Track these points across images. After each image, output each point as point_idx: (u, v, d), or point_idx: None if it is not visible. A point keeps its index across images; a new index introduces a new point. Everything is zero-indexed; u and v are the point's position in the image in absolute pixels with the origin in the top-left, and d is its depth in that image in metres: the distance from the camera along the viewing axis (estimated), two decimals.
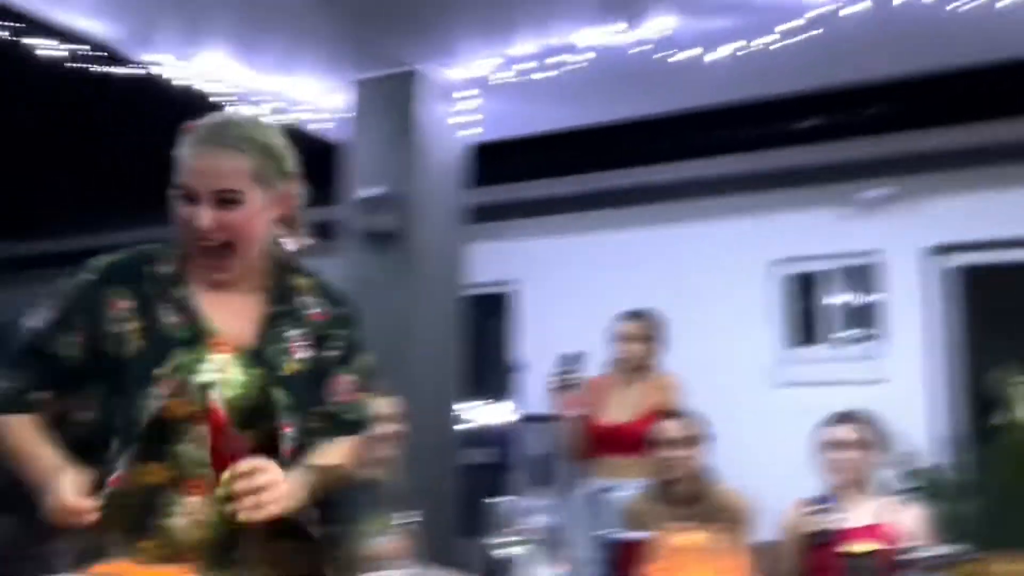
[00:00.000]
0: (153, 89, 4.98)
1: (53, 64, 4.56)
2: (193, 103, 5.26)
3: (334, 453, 1.81)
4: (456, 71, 5.33)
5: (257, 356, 1.76)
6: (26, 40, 4.57)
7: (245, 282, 1.81)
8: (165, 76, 5.08)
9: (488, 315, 7.31)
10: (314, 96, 5.68)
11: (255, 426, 1.72)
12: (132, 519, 1.65)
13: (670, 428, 3.73)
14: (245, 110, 5.49)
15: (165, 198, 1.77)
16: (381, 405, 2.00)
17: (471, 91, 5.43)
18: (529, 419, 6.50)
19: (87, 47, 4.86)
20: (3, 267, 8.79)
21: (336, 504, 1.80)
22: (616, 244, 7.17)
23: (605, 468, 4.33)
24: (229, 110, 1.78)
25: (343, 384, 1.86)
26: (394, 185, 5.27)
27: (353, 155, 5.48)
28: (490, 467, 6.36)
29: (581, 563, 2.68)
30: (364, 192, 5.31)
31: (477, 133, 5.64)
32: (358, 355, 1.91)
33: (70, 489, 1.60)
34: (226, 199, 1.71)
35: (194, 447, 1.68)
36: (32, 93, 5.24)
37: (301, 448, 1.75)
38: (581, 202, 7.21)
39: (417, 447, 3.81)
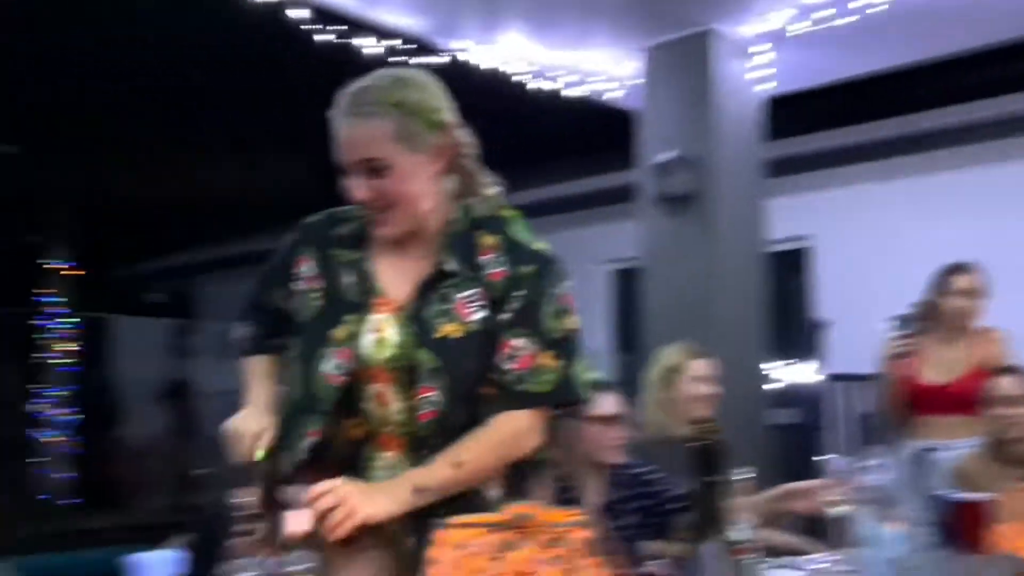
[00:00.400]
0: (460, 75, 5.31)
1: (374, 61, 4.98)
2: (496, 85, 5.57)
3: (486, 435, 1.66)
4: (750, 26, 5.27)
5: (413, 317, 1.68)
6: (350, 41, 5.01)
7: (421, 242, 1.74)
8: (471, 61, 5.39)
9: (787, 272, 7.18)
10: (606, 66, 5.81)
11: (412, 389, 1.66)
12: (337, 472, 1.62)
13: (1006, 385, 3.53)
14: (543, 85, 5.74)
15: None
16: (591, 376, 1.78)
17: (765, 45, 5.36)
18: (836, 378, 6.36)
19: (399, 41, 5.25)
20: None
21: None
22: (921, 191, 6.80)
23: (928, 428, 4.17)
24: (410, 75, 1.61)
25: (516, 349, 1.69)
26: (688, 147, 5.30)
27: (646, 120, 5.57)
28: (797, 427, 6.28)
29: (914, 523, 2.64)
30: (658, 156, 5.39)
31: (771, 87, 5.57)
32: (542, 318, 1.72)
33: (247, 417, 1.70)
34: (374, 168, 1.67)
35: (375, 405, 1.68)
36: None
37: (447, 416, 1.65)
38: (882, 149, 6.90)
39: (726, 408, 3.86)
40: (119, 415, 10.10)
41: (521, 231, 1.78)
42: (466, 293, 1.69)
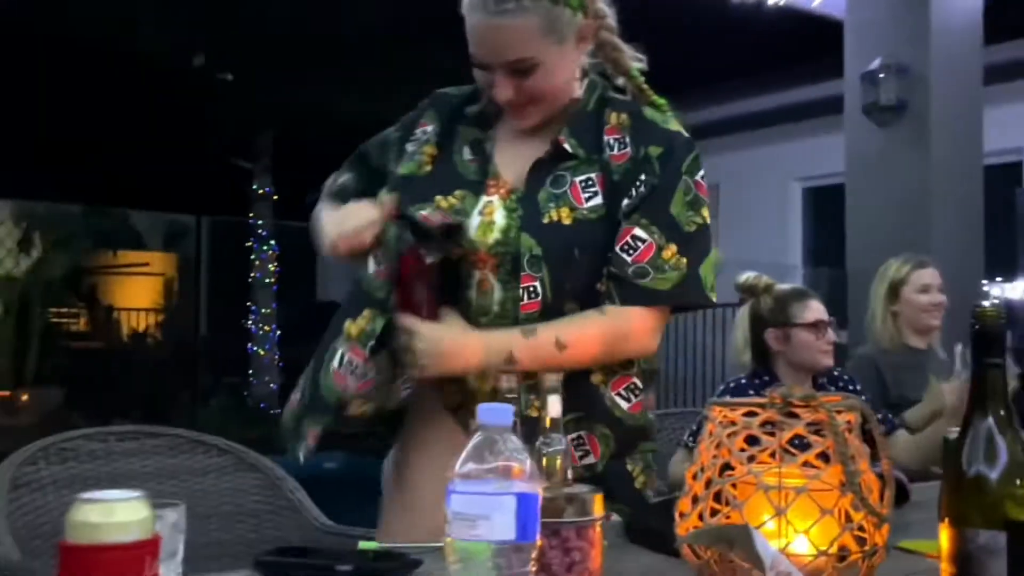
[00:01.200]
0: None
1: None
2: None
3: (596, 323, 1.52)
4: None
5: (523, 200, 1.53)
6: None
7: (548, 124, 1.58)
8: None
9: (1005, 185, 6.78)
10: None
11: (514, 277, 1.52)
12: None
13: None
14: None
15: None
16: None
17: None
18: None
19: None
20: None
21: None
22: None
23: None
24: None
25: (636, 240, 1.52)
26: (899, 54, 5.06)
27: (853, 27, 5.35)
28: (1015, 350, 5.99)
29: None
30: (867, 65, 5.17)
31: None
32: (669, 207, 1.53)
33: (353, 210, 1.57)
34: (520, 68, 1.49)
35: (476, 292, 1.55)
36: None
37: (550, 308, 1.51)
38: None
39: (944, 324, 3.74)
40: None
41: (655, 111, 1.60)
42: (583, 176, 1.53)
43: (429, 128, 1.62)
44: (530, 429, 1.18)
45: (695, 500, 1.20)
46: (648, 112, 1.59)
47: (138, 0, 7.91)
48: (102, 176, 9.73)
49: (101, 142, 9.61)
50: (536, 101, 1.53)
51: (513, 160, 1.57)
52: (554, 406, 1.56)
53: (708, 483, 1.19)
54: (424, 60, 7.29)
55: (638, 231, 1.51)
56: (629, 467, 1.61)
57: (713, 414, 1.27)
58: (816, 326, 2.62)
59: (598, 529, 1.09)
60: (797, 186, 8.18)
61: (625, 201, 1.52)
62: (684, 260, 1.52)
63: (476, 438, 0.95)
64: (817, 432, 1.19)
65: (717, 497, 1.18)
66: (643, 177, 1.52)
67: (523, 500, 0.92)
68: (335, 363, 1.54)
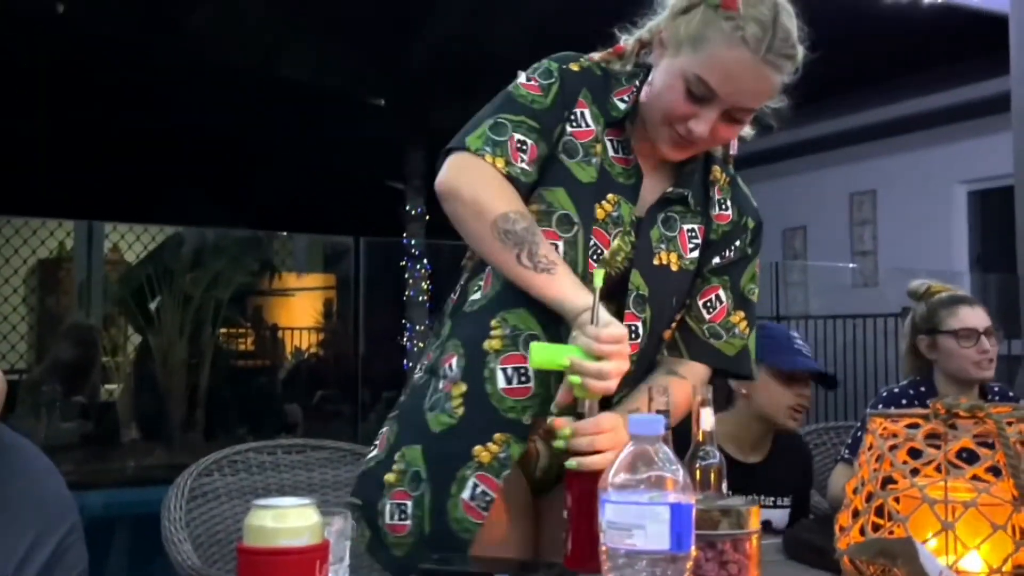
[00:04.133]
0: None
1: None
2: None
3: (680, 387, 1.39)
4: None
5: (638, 229, 1.45)
6: None
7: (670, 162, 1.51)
8: None
9: None
10: None
11: (621, 313, 1.41)
12: None
13: None
14: None
15: None
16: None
17: None
18: None
19: None
20: None
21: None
22: None
23: None
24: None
25: (716, 299, 1.51)
26: None
27: (1021, 23, 5.08)
28: None
29: None
30: None
31: None
32: (744, 276, 1.54)
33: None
34: (737, 118, 1.40)
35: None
36: None
37: (645, 352, 1.44)
38: None
39: None
40: None
41: (742, 182, 1.59)
42: (690, 226, 1.49)
43: (587, 113, 1.45)
44: None
45: (856, 514, 1.17)
46: (740, 180, 1.59)
47: (296, 31, 8.28)
48: (266, 202, 10.21)
49: (264, 169, 10.09)
50: (712, 146, 1.48)
51: (648, 182, 1.48)
52: (707, 418, 1.56)
53: (869, 497, 1.16)
54: None
55: (721, 292, 1.51)
56: None
57: (873, 426, 1.24)
58: (961, 334, 2.49)
59: (755, 542, 1.08)
60: (962, 189, 7.81)
61: (716, 260, 1.51)
62: (747, 328, 1.53)
63: (628, 448, 0.96)
64: (985, 444, 1.14)
65: (879, 511, 1.15)
66: (737, 244, 1.53)
67: (677, 511, 0.92)
68: (466, 494, 1.37)
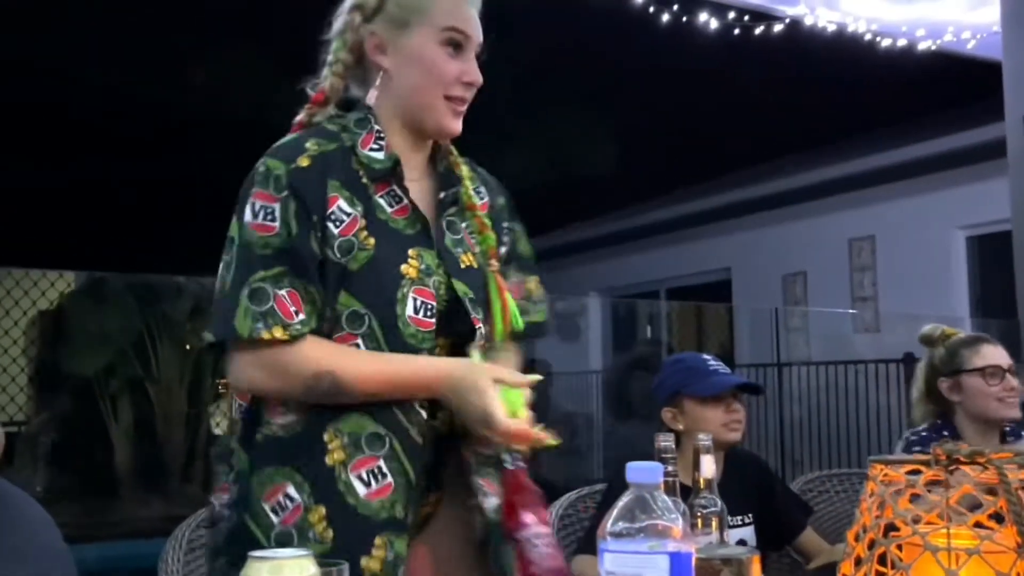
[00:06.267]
0: (803, 39, 5.19)
1: (716, 35, 5.00)
2: (841, 46, 5.38)
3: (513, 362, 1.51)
4: None
5: (438, 246, 1.46)
6: (687, 17, 5.06)
7: (426, 162, 1.53)
8: (816, 24, 5.24)
9: None
10: (959, 15, 5.43)
11: (450, 327, 1.44)
12: None
13: None
14: (891, 42, 5.47)
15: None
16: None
17: None
18: None
19: (734, 13, 5.22)
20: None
21: None
22: None
23: None
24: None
25: (513, 283, 1.55)
26: None
27: (1014, 70, 5.14)
28: None
29: None
30: None
31: None
32: (524, 246, 1.61)
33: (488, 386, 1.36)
34: (477, 55, 1.48)
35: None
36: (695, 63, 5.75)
37: (492, 349, 1.48)
38: None
39: None
40: None
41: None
42: (465, 223, 1.52)
43: (343, 204, 1.39)
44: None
45: (858, 562, 1.16)
46: (471, 161, 1.60)
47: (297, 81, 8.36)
48: None
49: None
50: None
51: (419, 200, 1.46)
52: (708, 466, 1.55)
53: (871, 544, 1.15)
54: (553, 130, 7.41)
55: (515, 276, 1.57)
56: None
57: (874, 472, 1.23)
58: (988, 371, 2.48)
59: None
60: (960, 234, 7.84)
61: (502, 249, 1.56)
62: (541, 289, 1.61)
63: (627, 496, 0.95)
64: (989, 491, 1.14)
65: (882, 559, 1.14)
66: (504, 226, 1.58)
67: (677, 560, 0.91)
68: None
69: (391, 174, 1.43)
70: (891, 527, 1.15)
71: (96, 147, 8.78)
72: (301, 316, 1.35)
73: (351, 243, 1.38)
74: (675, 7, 5.02)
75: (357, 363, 1.36)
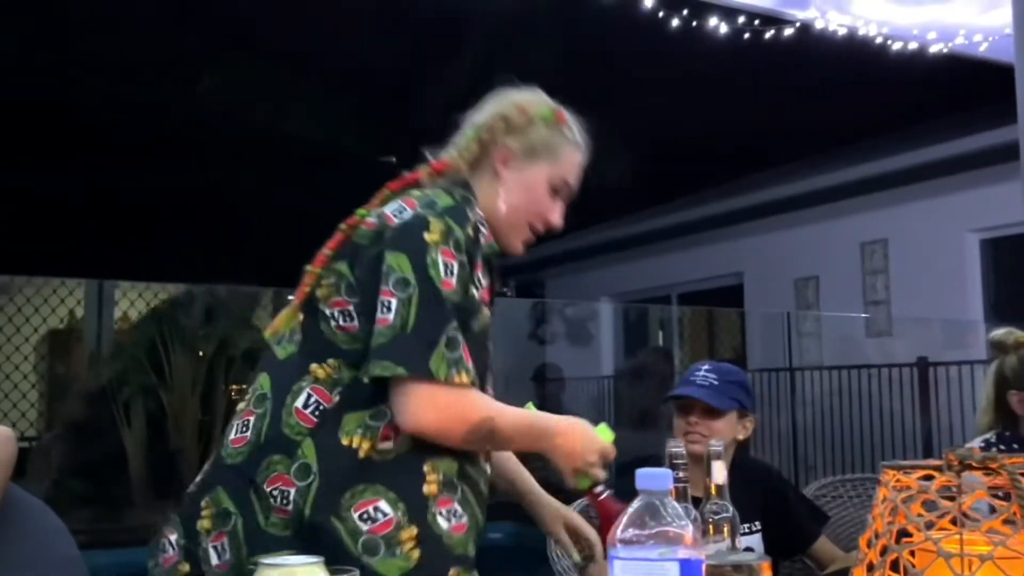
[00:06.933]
0: (813, 44, 5.18)
1: (726, 40, 4.99)
2: (852, 50, 5.36)
3: None
4: None
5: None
6: (696, 21, 5.05)
7: None
8: (827, 28, 5.23)
9: None
10: (971, 17, 5.41)
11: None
12: None
13: None
14: (902, 45, 5.45)
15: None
16: None
17: None
18: None
19: (744, 17, 5.21)
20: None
21: None
22: None
23: None
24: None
25: None
26: None
27: (1022, 71, 5.10)
28: None
29: None
30: None
31: None
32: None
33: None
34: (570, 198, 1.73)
35: None
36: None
37: None
38: None
39: None
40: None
41: None
42: None
43: (481, 273, 1.56)
44: None
45: (870, 568, 1.16)
46: None
47: (306, 90, 8.39)
48: (276, 259, 10.28)
49: (274, 227, 10.16)
50: None
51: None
52: (718, 472, 1.55)
53: (883, 551, 1.15)
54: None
55: None
56: None
57: (886, 478, 1.22)
58: None
59: None
60: (974, 237, 7.80)
61: None
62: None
63: (636, 503, 0.95)
64: (1002, 496, 1.13)
65: (894, 566, 1.14)
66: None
67: (687, 567, 0.91)
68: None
69: (488, 261, 1.60)
70: (904, 533, 1.14)
71: (105, 154, 8.83)
72: (470, 364, 1.48)
73: (481, 308, 1.55)
74: (684, 12, 5.02)
75: (506, 412, 1.52)
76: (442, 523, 1.47)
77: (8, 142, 8.07)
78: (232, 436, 1.55)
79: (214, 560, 1.46)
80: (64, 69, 7.66)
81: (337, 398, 1.49)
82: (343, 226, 1.60)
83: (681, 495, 1.29)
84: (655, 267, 9.94)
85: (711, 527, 1.48)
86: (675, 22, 5.08)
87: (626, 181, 7.99)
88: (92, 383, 6.90)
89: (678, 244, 9.67)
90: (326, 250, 1.57)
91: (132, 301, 7.73)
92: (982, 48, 5.53)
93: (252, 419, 1.53)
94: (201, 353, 7.23)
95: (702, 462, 2.04)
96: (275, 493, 1.46)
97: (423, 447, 1.48)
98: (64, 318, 7.29)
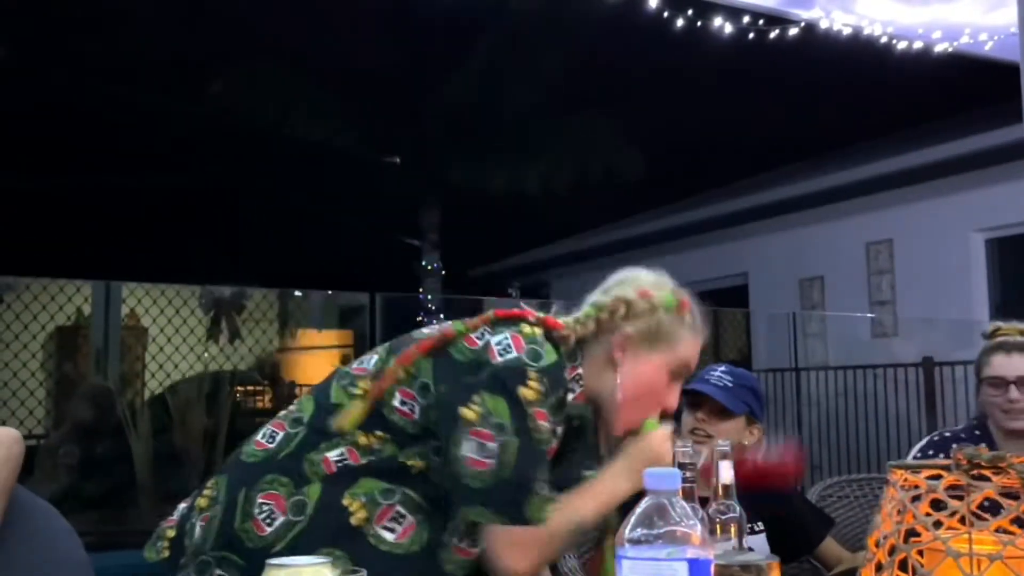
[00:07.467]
0: (817, 44, 5.17)
1: (731, 40, 4.99)
2: (857, 49, 5.35)
3: None
4: None
5: None
6: (701, 22, 5.05)
7: None
8: (831, 28, 5.22)
9: None
10: (976, 16, 5.40)
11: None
12: None
13: None
14: (907, 44, 5.45)
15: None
16: None
17: None
18: None
19: (748, 17, 5.21)
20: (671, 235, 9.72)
21: None
22: None
23: None
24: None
25: None
26: None
27: None
28: None
29: None
30: None
31: None
32: None
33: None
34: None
35: None
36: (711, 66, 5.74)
37: None
38: None
39: None
40: None
41: None
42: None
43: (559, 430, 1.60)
44: None
45: (879, 568, 1.15)
46: None
47: (312, 91, 8.40)
48: (282, 259, 10.28)
49: (280, 227, 10.17)
50: None
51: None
52: (726, 472, 1.54)
53: (892, 550, 1.15)
54: (572, 137, 7.43)
55: None
56: None
57: (894, 477, 1.22)
58: (988, 382, 2.47)
59: None
60: (979, 237, 7.79)
61: None
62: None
63: (645, 503, 0.95)
64: (1010, 496, 1.13)
65: (903, 565, 1.13)
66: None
67: (695, 567, 0.91)
68: None
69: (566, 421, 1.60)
70: (912, 532, 1.14)
71: (109, 157, 8.84)
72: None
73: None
74: (689, 12, 5.02)
75: (580, 501, 1.52)
76: (386, 536, 1.48)
77: (16, 145, 8.09)
78: (257, 438, 1.58)
79: (196, 535, 1.51)
80: (66, 71, 7.67)
81: (364, 461, 1.50)
82: (437, 334, 1.56)
83: (688, 495, 1.28)
84: (660, 267, 9.91)
85: (718, 527, 1.47)
86: (680, 23, 5.08)
87: (632, 182, 7.99)
88: (98, 385, 6.91)
89: (683, 244, 9.66)
90: (416, 351, 1.54)
91: (139, 299, 7.74)
92: (987, 47, 5.52)
93: (281, 434, 1.55)
94: (207, 354, 7.23)
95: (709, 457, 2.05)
96: (264, 507, 1.48)
97: (414, 563, 1.49)
98: (72, 315, 7.29)
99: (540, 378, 1.49)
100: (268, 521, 1.47)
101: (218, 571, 1.47)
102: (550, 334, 1.57)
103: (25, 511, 1.52)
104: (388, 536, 1.48)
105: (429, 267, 10.24)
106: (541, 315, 1.61)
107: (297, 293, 10.76)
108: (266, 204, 9.88)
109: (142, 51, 7.43)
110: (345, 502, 1.47)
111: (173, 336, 7.25)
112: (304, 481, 1.49)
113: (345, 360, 12.63)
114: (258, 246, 10.35)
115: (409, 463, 1.50)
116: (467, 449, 1.44)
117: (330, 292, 10.99)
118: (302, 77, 8.29)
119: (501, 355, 1.50)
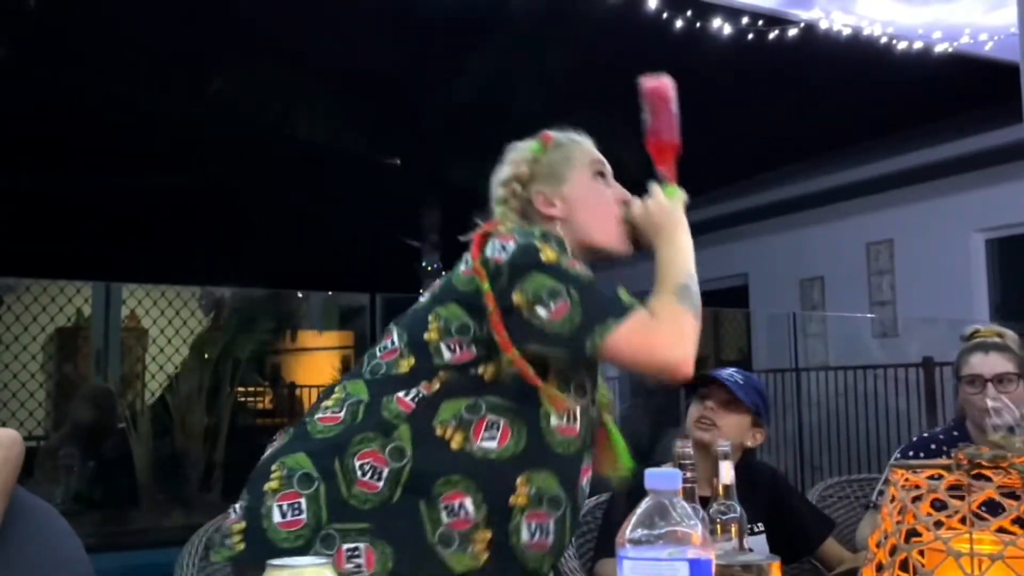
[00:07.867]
0: (817, 44, 5.17)
1: (730, 41, 4.99)
2: (857, 50, 5.35)
3: None
4: None
5: None
6: (700, 22, 5.05)
7: None
8: (831, 28, 5.22)
9: None
10: (976, 17, 5.40)
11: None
12: None
13: None
14: (907, 45, 5.45)
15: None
16: None
17: None
18: None
19: (748, 18, 5.21)
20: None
21: None
22: None
23: None
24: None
25: None
26: None
27: None
28: None
29: None
30: None
31: None
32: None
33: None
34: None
35: None
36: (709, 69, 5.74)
37: None
38: None
39: None
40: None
41: None
42: None
43: None
44: None
45: (879, 568, 1.15)
46: None
47: (312, 91, 8.40)
48: (282, 260, 10.28)
49: (280, 228, 10.17)
50: None
51: None
52: (726, 472, 1.54)
53: (893, 550, 1.14)
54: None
55: None
56: None
57: (895, 477, 1.22)
58: (966, 380, 2.49)
59: None
60: (979, 237, 7.79)
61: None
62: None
63: (646, 503, 0.95)
64: (1011, 496, 1.12)
65: (904, 565, 1.13)
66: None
67: (696, 567, 0.91)
68: None
69: None
70: (912, 532, 1.14)
71: (109, 157, 8.84)
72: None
73: None
74: (688, 13, 5.02)
75: (669, 270, 1.76)
76: (524, 536, 1.48)
77: (16, 145, 8.09)
78: (319, 416, 1.54)
79: (276, 518, 1.45)
80: (67, 72, 7.67)
81: (437, 386, 1.50)
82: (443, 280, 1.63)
83: (688, 495, 1.28)
84: None
85: (718, 527, 1.47)
86: (679, 23, 5.08)
87: (632, 182, 7.97)
88: (98, 385, 6.90)
89: None
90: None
91: (139, 300, 7.74)
92: (987, 47, 5.52)
93: (343, 413, 1.52)
94: (207, 356, 7.23)
95: (709, 455, 2.05)
96: (365, 467, 1.45)
97: (527, 457, 1.49)
98: (72, 316, 7.29)
99: (547, 243, 1.53)
100: (375, 477, 1.45)
101: (345, 545, 1.42)
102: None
103: (25, 512, 1.52)
104: (491, 445, 1.47)
105: (429, 268, 10.23)
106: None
107: (299, 295, 10.77)
108: (266, 204, 9.87)
109: (142, 51, 7.42)
110: (438, 432, 1.47)
111: (173, 337, 7.26)
112: (391, 428, 1.48)
113: (345, 360, 12.65)
114: (258, 246, 10.35)
115: (480, 372, 1.50)
116: (543, 322, 1.46)
117: (330, 293, 11.00)
118: (302, 77, 8.29)
119: (504, 252, 1.51)
